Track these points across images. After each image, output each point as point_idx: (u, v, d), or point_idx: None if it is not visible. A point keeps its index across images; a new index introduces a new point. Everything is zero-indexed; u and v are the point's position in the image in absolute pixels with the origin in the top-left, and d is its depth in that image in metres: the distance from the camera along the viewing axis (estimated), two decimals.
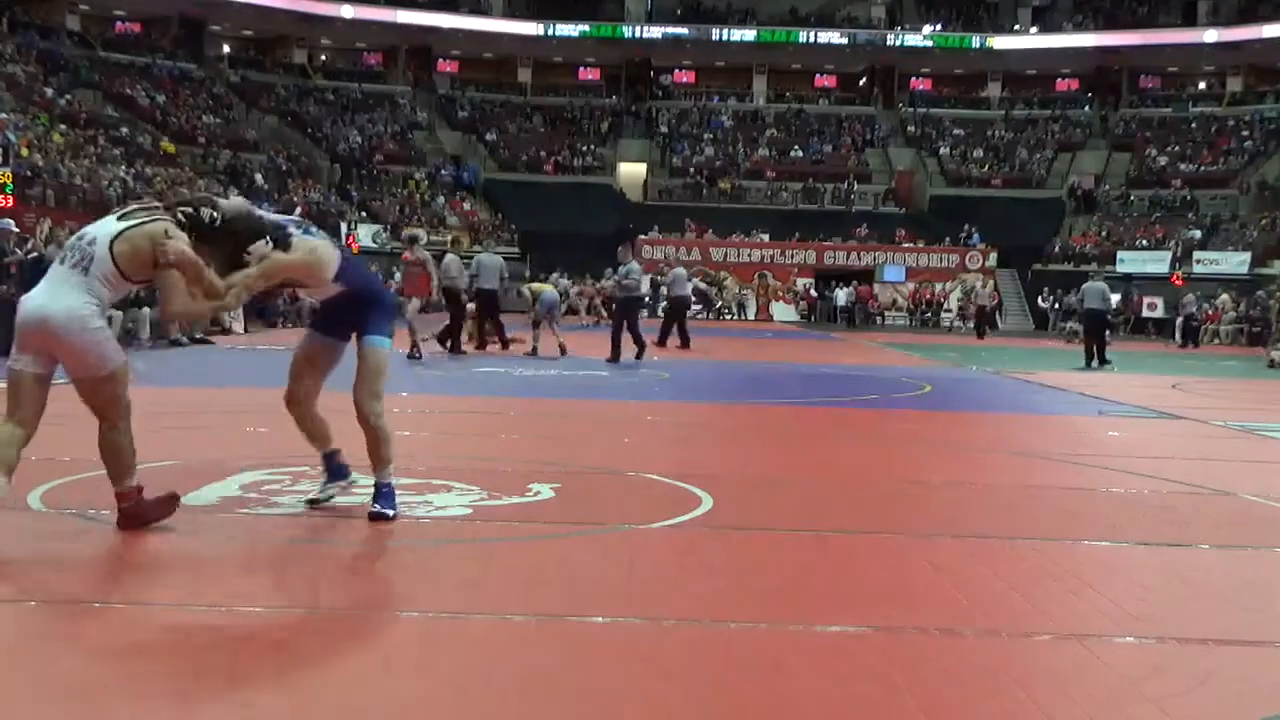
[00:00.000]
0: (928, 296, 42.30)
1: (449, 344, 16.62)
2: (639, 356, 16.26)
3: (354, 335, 5.19)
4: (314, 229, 5.16)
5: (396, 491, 5.62)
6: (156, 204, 5.00)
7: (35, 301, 4.58)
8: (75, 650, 3.34)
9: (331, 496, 5.33)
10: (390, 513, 5.01)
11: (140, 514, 4.78)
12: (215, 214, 4.73)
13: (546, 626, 3.71)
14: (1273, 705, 3.18)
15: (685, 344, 19.93)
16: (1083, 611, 4.06)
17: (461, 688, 3.21)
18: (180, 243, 4.55)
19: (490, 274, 17.25)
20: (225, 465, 6.29)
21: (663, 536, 4.96)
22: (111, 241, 4.55)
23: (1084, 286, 20.03)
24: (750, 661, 3.42)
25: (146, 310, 17.34)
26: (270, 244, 4.80)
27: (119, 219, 4.67)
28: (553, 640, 3.60)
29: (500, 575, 4.41)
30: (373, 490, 5.09)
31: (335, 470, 5.39)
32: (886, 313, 41.92)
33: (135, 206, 4.87)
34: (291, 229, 4.98)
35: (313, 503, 5.32)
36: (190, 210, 4.71)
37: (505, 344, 17.33)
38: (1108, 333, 19.89)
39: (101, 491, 5.58)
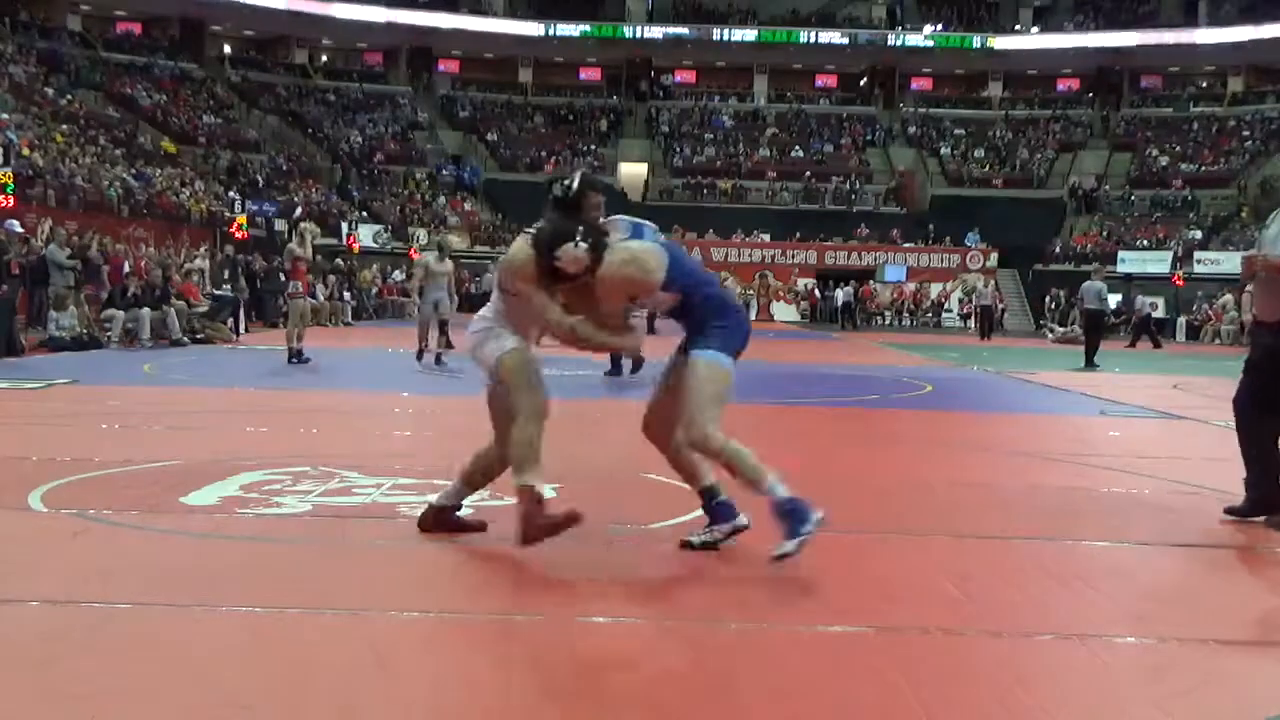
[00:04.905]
0: (927, 296, 42.32)
1: None
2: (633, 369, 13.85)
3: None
4: (648, 227, 4.54)
5: (400, 491, 5.63)
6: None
7: None
8: (78, 652, 3.34)
9: (711, 542, 4.62)
10: (788, 548, 4.24)
11: (531, 524, 4.33)
12: (568, 183, 4.50)
13: (547, 626, 3.71)
14: (1274, 706, 3.17)
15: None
16: (1083, 611, 4.06)
17: (462, 688, 3.21)
18: (526, 286, 4.38)
19: None
20: (226, 465, 6.29)
21: (663, 536, 4.95)
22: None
23: (1083, 286, 20.04)
24: (750, 661, 3.42)
25: (146, 310, 17.36)
26: (582, 246, 4.26)
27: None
28: (553, 640, 3.60)
29: (501, 575, 4.41)
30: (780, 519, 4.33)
31: (714, 511, 4.61)
32: (885, 313, 41.94)
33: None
34: (618, 230, 4.43)
35: (686, 544, 4.68)
36: (550, 196, 4.51)
37: None
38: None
39: (101, 492, 5.59)
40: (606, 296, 4.38)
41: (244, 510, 5.23)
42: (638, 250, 4.36)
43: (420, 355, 14.89)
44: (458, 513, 4.85)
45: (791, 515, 4.26)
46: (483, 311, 4.65)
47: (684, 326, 4.59)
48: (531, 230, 4.45)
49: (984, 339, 30.57)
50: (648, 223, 4.57)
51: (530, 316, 4.55)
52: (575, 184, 4.49)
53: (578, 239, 4.25)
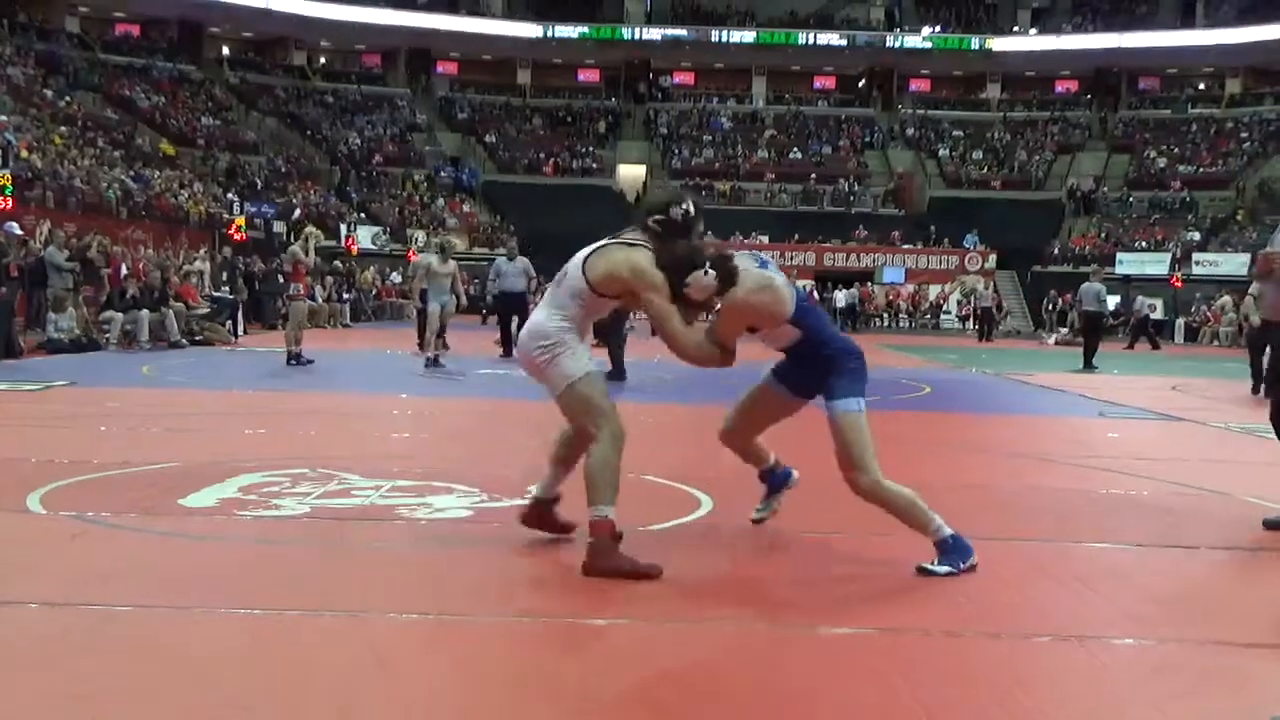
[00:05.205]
0: (926, 298, 42.31)
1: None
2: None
3: (819, 395, 4.63)
4: (771, 263, 4.53)
5: (399, 493, 5.64)
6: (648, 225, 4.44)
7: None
8: (77, 653, 3.34)
9: (774, 510, 5.12)
10: (937, 569, 4.41)
11: (600, 558, 4.23)
12: (686, 208, 4.41)
13: (547, 627, 3.71)
14: (1274, 706, 3.18)
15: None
16: (1082, 612, 4.06)
17: (461, 688, 3.21)
18: (657, 297, 4.26)
19: (515, 276, 16.35)
20: (224, 467, 6.29)
21: (663, 537, 4.96)
22: (586, 257, 4.38)
23: (1081, 288, 20.06)
24: (750, 662, 3.42)
25: (145, 312, 17.35)
26: (711, 273, 4.23)
27: (608, 238, 4.45)
28: (553, 640, 3.60)
29: (501, 577, 4.41)
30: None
31: (774, 481, 5.12)
32: (883, 314, 41.92)
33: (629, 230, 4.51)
34: (741, 260, 4.41)
35: (758, 521, 5.10)
36: (661, 217, 4.39)
37: (509, 351, 16.71)
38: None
39: (100, 494, 5.59)
40: (728, 321, 4.37)
41: (243, 512, 5.23)
42: (773, 278, 4.34)
43: (428, 361, 14.71)
44: (556, 505, 4.73)
45: (954, 550, 4.45)
46: (545, 324, 4.39)
47: (796, 361, 4.65)
48: (641, 240, 4.38)
49: (983, 341, 30.58)
50: (769, 259, 4.58)
51: (592, 318, 4.55)
52: (692, 209, 4.44)
53: (706, 268, 4.23)
